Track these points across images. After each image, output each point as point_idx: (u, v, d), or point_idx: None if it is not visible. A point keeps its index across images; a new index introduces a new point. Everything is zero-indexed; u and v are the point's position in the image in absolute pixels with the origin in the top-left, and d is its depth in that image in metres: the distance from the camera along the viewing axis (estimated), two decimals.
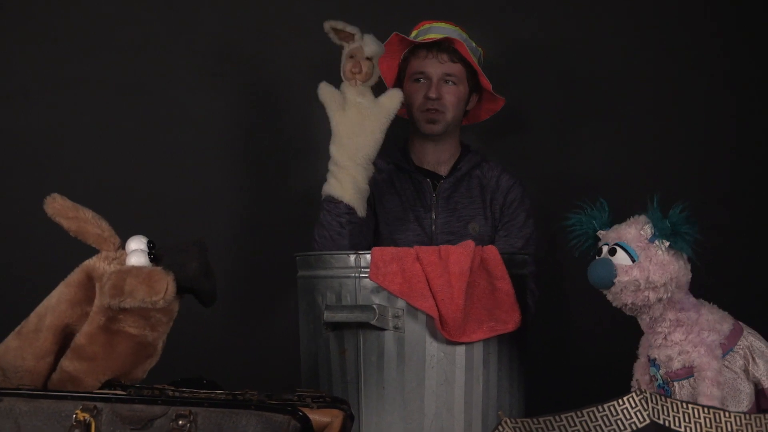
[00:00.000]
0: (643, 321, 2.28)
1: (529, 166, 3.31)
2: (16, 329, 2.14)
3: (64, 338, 2.12)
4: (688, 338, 2.24)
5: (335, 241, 2.72)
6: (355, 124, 2.65)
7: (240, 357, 3.23)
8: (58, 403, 1.94)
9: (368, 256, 2.40)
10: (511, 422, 1.98)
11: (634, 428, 1.97)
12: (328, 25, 2.68)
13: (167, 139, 3.29)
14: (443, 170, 3.00)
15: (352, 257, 2.43)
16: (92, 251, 2.15)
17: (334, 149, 2.68)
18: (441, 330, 2.35)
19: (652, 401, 1.98)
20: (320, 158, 2.80)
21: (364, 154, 2.67)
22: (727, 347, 2.25)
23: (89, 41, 3.27)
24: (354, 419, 2.03)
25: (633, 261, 2.20)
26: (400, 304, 2.37)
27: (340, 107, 2.67)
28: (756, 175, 3.42)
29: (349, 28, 2.67)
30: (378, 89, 2.76)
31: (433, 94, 2.90)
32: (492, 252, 2.45)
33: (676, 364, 2.24)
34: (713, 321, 2.27)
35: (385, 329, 2.37)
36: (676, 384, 2.24)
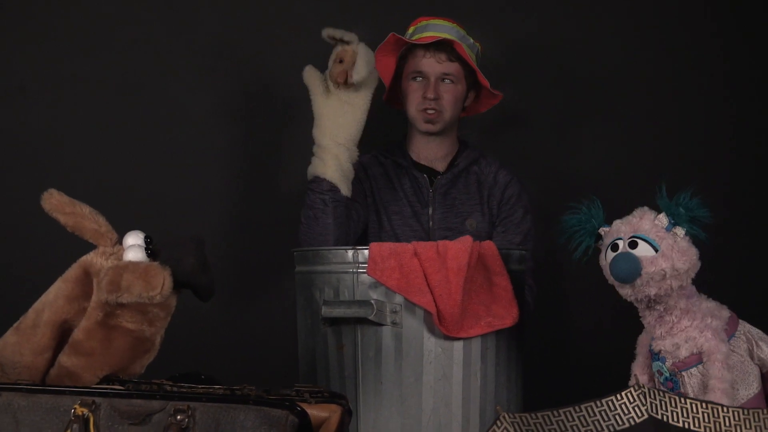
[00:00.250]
0: (654, 313, 2.28)
1: (529, 165, 3.31)
2: (15, 325, 2.15)
3: (62, 334, 2.13)
4: (693, 324, 2.25)
5: (319, 219, 2.74)
6: (337, 108, 2.71)
7: (238, 352, 3.24)
8: (56, 398, 1.94)
9: (366, 252, 2.40)
10: (509, 417, 1.97)
11: (632, 423, 1.97)
12: (325, 33, 2.72)
13: (165, 137, 3.29)
14: (441, 166, 3.00)
15: (350, 252, 2.43)
16: (90, 248, 2.15)
17: (316, 132, 2.73)
18: (439, 325, 2.35)
19: (650, 396, 1.98)
20: None
21: (346, 134, 2.71)
22: (729, 332, 2.27)
23: (89, 40, 3.27)
24: (352, 414, 2.03)
25: (655, 251, 2.21)
26: (398, 299, 2.37)
27: (324, 93, 2.72)
28: (756, 175, 3.42)
29: (347, 37, 2.69)
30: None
31: (430, 95, 2.90)
32: (490, 247, 2.45)
33: (684, 352, 2.24)
34: (713, 308, 2.29)
35: (382, 324, 2.37)
36: (684, 374, 2.25)
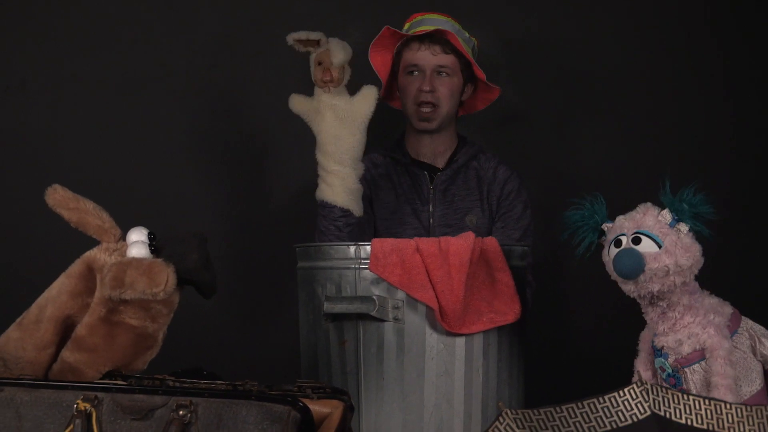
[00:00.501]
0: (657, 309, 2.28)
1: (529, 163, 3.31)
2: (18, 320, 2.15)
3: (65, 329, 2.13)
4: (696, 320, 2.25)
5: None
6: (335, 128, 2.63)
7: (240, 348, 3.24)
8: (59, 393, 1.94)
9: (368, 248, 2.40)
10: (511, 413, 1.97)
11: (635, 420, 1.97)
12: (291, 38, 2.65)
13: (166, 135, 3.30)
14: (440, 162, 3.00)
15: (352, 248, 2.43)
16: (92, 244, 2.15)
17: (319, 156, 2.67)
18: (441, 321, 2.35)
19: (652, 393, 1.98)
20: None
21: (350, 156, 2.66)
22: (732, 329, 2.26)
23: (89, 40, 3.29)
24: (354, 410, 2.02)
25: (659, 247, 2.20)
26: (400, 295, 2.37)
27: (317, 114, 2.65)
28: (756, 174, 3.42)
29: (313, 36, 2.63)
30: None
31: (426, 87, 2.90)
32: (492, 243, 2.45)
33: (687, 348, 2.24)
34: (716, 304, 2.29)
35: (384, 320, 2.37)
36: (687, 370, 2.25)
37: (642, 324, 2.37)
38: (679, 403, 1.98)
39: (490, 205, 2.96)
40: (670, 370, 2.28)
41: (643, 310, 2.32)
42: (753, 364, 2.28)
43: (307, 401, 1.91)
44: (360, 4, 3.35)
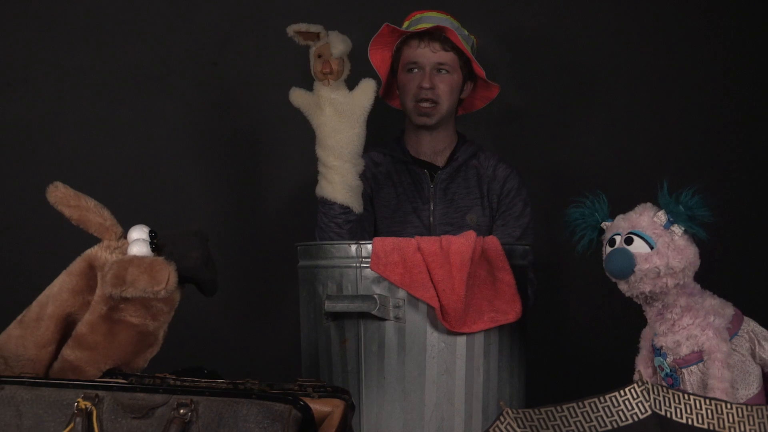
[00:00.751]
0: (654, 309, 2.28)
1: (529, 161, 3.31)
2: (18, 318, 2.15)
3: (66, 327, 2.13)
4: (695, 322, 2.24)
5: (334, 240, 2.72)
6: (334, 121, 2.64)
7: (241, 346, 3.24)
8: (59, 392, 1.94)
9: (369, 246, 2.40)
10: (512, 412, 1.97)
11: (636, 419, 1.96)
12: (291, 30, 2.66)
13: (167, 132, 3.30)
14: (440, 161, 3.00)
15: (353, 247, 2.43)
16: (94, 241, 2.15)
17: (319, 151, 2.68)
18: (442, 320, 2.35)
19: (653, 392, 1.98)
20: None
21: (349, 150, 2.66)
22: (732, 331, 2.25)
23: (92, 34, 3.28)
24: (355, 409, 2.03)
25: (651, 248, 2.20)
26: (401, 294, 2.37)
27: (316, 107, 2.65)
28: (756, 175, 3.42)
29: (313, 28, 2.64)
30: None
31: (426, 84, 2.90)
32: (493, 242, 2.45)
33: (685, 350, 2.24)
34: (717, 306, 2.28)
35: (385, 319, 2.37)
36: (684, 371, 2.24)
37: (643, 322, 2.37)
38: (679, 403, 1.97)
39: (490, 204, 2.96)
40: (668, 370, 2.27)
41: (643, 309, 2.32)
42: (751, 368, 2.27)
43: (307, 400, 1.92)
44: (360, 2, 3.34)
